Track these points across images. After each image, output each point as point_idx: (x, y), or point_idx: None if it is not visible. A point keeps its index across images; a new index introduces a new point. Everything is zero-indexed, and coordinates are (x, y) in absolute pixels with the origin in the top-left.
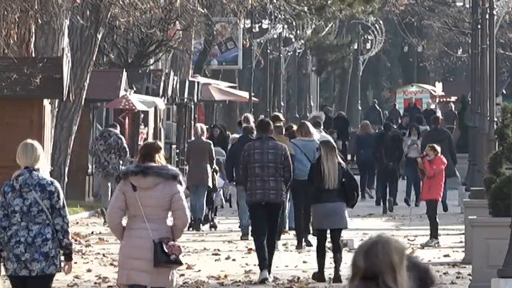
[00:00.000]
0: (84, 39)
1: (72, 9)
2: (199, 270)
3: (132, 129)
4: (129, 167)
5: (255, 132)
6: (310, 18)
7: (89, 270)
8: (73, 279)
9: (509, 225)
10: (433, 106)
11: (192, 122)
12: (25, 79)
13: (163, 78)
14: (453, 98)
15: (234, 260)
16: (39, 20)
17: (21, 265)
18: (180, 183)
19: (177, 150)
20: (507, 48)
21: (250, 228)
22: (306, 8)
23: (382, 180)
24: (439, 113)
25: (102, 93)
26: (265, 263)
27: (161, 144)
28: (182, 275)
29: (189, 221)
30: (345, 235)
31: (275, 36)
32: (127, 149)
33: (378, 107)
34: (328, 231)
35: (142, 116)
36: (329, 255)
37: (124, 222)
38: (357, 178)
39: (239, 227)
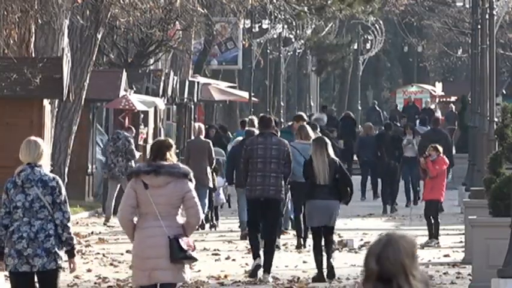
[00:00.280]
0: (84, 39)
1: (72, 9)
2: (199, 270)
3: None
4: (141, 166)
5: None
6: (310, 18)
7: (89, 270)
8: (73, 279)
9: (509, 225)
10: (432, 106)
11: (192, 122)
12: (25, 79)
13: (163, 78)
14: (453, 98)
15: (234, 260)
16: (39, 20)
17: (23, 260)
18: (191, 181)
19: (177, 150)
20: (507, 48)
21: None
22: (306, 8)
23: (383, 179)
24: (438, 113)
25: (102, 93)
26: (258, 253)
27: (172, 141)
28: None
29: (203, 218)
30: (345, 235)
31: (275, 36)
32: (135, 152)
33: (377, 108)
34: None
35: (142, 116)
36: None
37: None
38: (358, 178)
39: (239, 226)
